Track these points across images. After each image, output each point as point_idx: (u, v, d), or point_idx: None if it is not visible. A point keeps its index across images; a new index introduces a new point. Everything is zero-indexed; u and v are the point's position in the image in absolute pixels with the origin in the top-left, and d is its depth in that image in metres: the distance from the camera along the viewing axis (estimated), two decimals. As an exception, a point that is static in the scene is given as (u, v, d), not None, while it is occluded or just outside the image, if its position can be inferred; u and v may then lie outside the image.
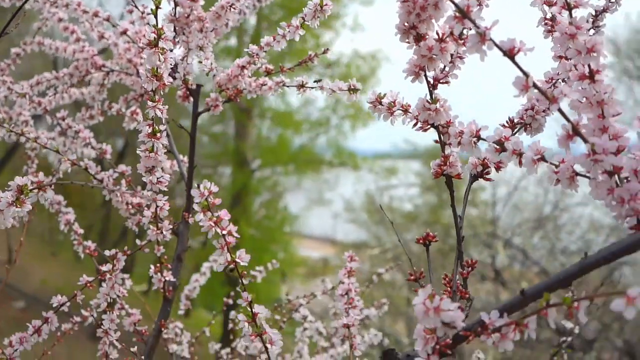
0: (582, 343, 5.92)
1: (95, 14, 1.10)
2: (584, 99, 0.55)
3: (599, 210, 6.85)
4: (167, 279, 0.98)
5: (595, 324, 6.21)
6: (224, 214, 0.63)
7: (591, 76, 0.54)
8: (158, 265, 0.97)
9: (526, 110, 0.69)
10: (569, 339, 1.11)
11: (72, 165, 0.99)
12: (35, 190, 0.66)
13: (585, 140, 0.52)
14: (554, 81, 0.71)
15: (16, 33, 0.92)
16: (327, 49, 1.01)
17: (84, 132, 1.08)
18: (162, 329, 1.00)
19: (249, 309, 0.65)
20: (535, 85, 0.51)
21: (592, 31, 0.74)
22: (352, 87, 0.84)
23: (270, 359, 0.66)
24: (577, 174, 0.55)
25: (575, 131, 0.52)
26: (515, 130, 0.70)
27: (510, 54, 0.51)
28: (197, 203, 0.62)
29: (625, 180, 0.53)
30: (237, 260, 0.64)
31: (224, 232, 0.63)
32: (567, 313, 0.46)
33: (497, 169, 0.68)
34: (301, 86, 0.95)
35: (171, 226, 0.91)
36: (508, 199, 6.81)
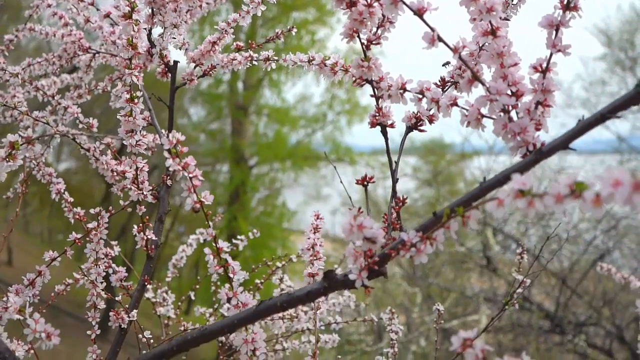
0: (573, 327, 6.03)
1: (81, -1, 1.19)
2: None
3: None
4: (149, 237, 1.08)
5: (585, 308, 6.32)
6: (191, 160, 0.73)
7: (492, 32, 0.64)
8: (141, 225, 1.07)
9: (455, 69, 0.79)
10: (520, 290, 1.20)
11: (61, 136, 1.09)
12: (25, 145, 0.76)
13: (482, 84, 0.61)
14: (480, 45, 0.81)
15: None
16: (292, 27, 1.11)
17: (72, 108, 1.18)
18: (146, 284, 1.10)
19: (213, 244, 0.75)
20: (439, 39, 0.61)
21: (515, 0, 0.84)
22: (310, 58, 0.93)
23: (233, 288, 0.75)
24: (483, 115, 0.65)
25: (474, 77, 0.62)
26: (447, 87, 0.80)
27: (419, 12, 0.61)
28: (166, 150, 0.72)
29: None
30: (203, 199, 0.74)
31: (191, 175, 0.73)
32: (462, 222, 0.56)
33: (430, 121, 0.78)
34: (267, 59, 1.05)
35: (151, 187, 1.01)
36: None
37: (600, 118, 0.56)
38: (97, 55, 1.31)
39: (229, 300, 0.75)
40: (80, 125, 1.18)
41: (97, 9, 1.20)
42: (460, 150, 9.91)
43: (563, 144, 0.57)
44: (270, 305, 0.68)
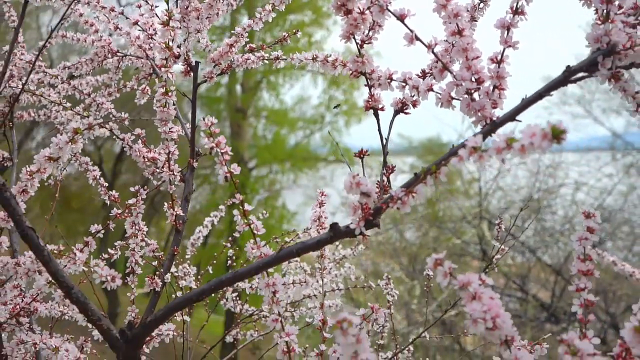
0: (567, 317, 6.22)
1: (112, 9, 1.37)
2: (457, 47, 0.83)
3: (581, 192, 7.16)
4: (177, 213, 1.25)
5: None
6: (222, 139, 0.91)
7: (459, 32, 0.82)
8: (170, 202, 1.24)
9: (432, 63, 0.97)
10: (498, 256, 1.38)
11: (99, 127, 1.26)
12: (87, 130, 0.94)
13: (451, 72, 0.79)
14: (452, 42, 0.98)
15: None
16: (297, 30, 1.29)
17: (106, 104, 1.35)
18: (175, 254, 1.28)
19: (241, 207, 0.93)
20: (417, 38, 0.79)
21: (482, 4, 1.01)
22: (314, 56, 1.11)
23: (256, 242, 0.93)
24: (452, 97, 0.83)
25: (444, 67, 0.80)
26: (426, 77, 0.97)
27: (401, 18, 0.79)
28: (202, 130, 0.89)
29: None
30: (232, 170, 0.92)
31: (222, 150, 0.90)
32: (434, 177, 0.74)
33: (414, 105, 0.96)
34: (277, 58, 1.23)
35: (180, 169, 1.19)
36: (494, 182, 7.11)
37: (538, 96, 0.74)
38: (124, 57, 1.48)
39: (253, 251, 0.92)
40: (113, 119, 1.35)
41: (127, 17, 1.38)
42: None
43: (510, 117, 0.75)
44: (288, 252, 0.86)
